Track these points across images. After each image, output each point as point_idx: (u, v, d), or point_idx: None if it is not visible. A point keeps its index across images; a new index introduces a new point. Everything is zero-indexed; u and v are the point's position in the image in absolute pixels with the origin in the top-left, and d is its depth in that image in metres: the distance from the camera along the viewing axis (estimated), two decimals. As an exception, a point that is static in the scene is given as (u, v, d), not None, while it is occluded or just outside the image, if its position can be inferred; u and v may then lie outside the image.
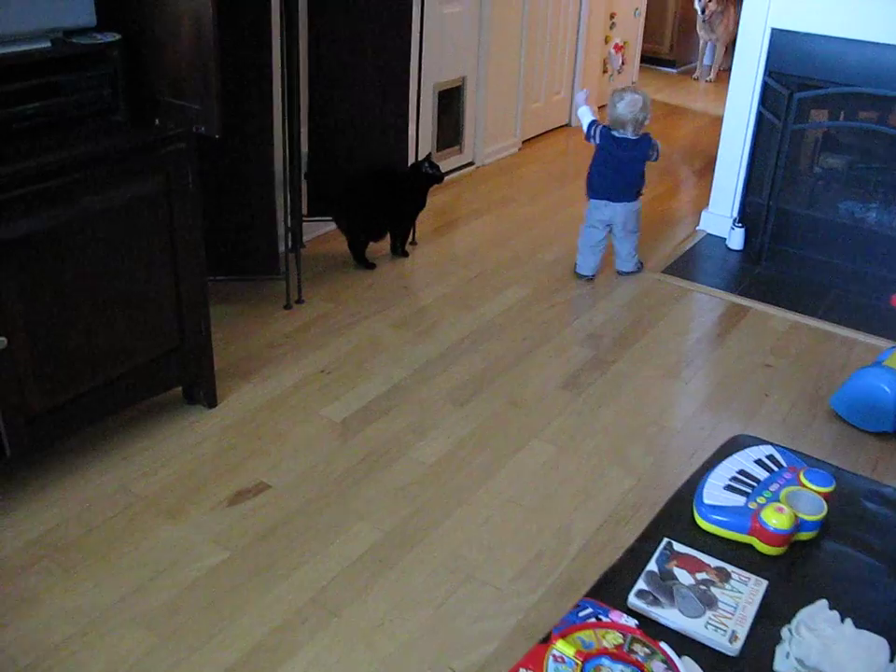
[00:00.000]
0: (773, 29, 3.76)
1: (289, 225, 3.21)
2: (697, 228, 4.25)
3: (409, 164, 3.67)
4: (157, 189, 2.26)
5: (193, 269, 2.43)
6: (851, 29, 3.58)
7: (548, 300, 3.46)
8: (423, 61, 3.63)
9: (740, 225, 4.03)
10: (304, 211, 3.50)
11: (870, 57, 3.59)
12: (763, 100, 3.89)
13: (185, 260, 2.39)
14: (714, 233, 4.19)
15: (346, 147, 3.50)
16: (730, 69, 3.98)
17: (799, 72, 3.77)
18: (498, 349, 3.10)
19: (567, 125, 5.67)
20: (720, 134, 4.06)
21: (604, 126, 3.50)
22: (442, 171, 3.64)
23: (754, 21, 3.78)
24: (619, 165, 3.47)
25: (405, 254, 3.72)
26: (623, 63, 6.12)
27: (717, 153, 4.11)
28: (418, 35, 3.58)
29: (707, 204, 4.23)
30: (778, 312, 3.51)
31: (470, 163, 4.77)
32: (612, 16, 5.80)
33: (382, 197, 3.51)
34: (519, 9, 4.74)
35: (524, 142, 5.20)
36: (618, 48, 5.99)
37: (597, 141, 3.49)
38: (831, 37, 3.64)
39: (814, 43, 3.69)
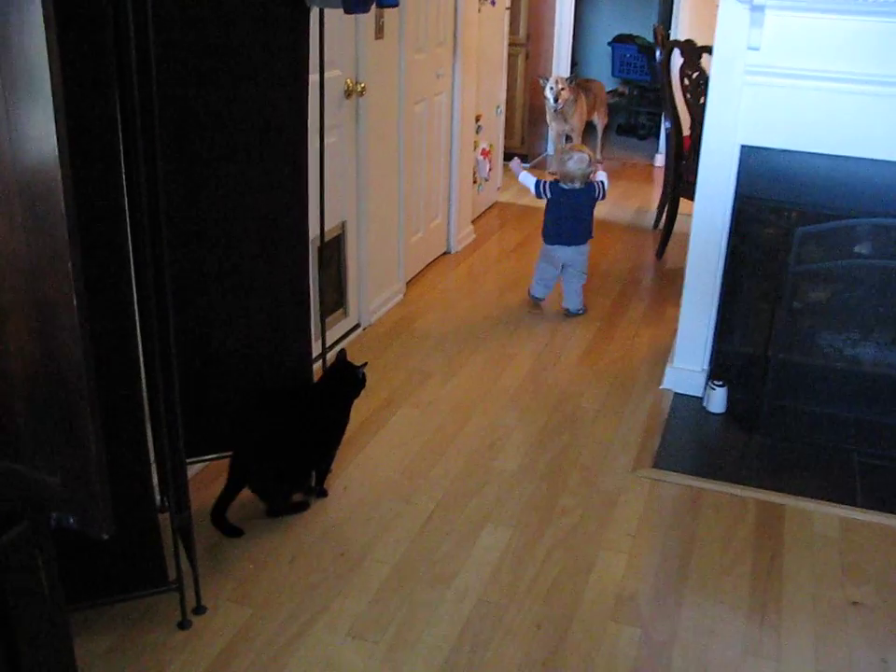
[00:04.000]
0: (743, 146, 3.17)
1: (171, 507, 2.20)
2: (661, 387, 3.57)
3: (329, 368, 2.76)
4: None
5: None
6: (835, 143, 3.06)
7: (539, 541, 2.63)
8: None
9: (720, 383, 3.39)
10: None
11: (859, 175, 3.07)
12: (735, 229, 3.30)
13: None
14: (683, 392, 3.53)
15: (234, 359, 2.56)
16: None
17: (774, 195, 3.20)
18: (512, 651, 2.23)
19: (446, 253, 4.92)
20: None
21: (551, 182, 4.15)
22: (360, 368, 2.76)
23: (720, 136, 3.18)
24: (571, 212, 4.12)
25: (323, 493, 2.79)
26: (490, 169, 5.48)
27: (681, 296, 3.47)
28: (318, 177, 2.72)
29: (672, 358, 3.56)
30: (816, 506, 2.86)
31: (356, 326, 3.90)
32: (478, 118, 5.15)
33: (301, 425, 2.58)
34: (394, 131, 3.96)
35: (407, 283, 4.39)
36: (485, 153, 5.35)
37: (548, 195, 4.12)
38: (812, 154, 3.10)
39: (791, 160, 3.13)
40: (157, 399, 2.02)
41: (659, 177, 6.94)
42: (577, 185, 4.09)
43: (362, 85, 3.52)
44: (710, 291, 3.40)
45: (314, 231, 3.24)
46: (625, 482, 2.95)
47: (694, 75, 4.46)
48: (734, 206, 3.26)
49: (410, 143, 4.12)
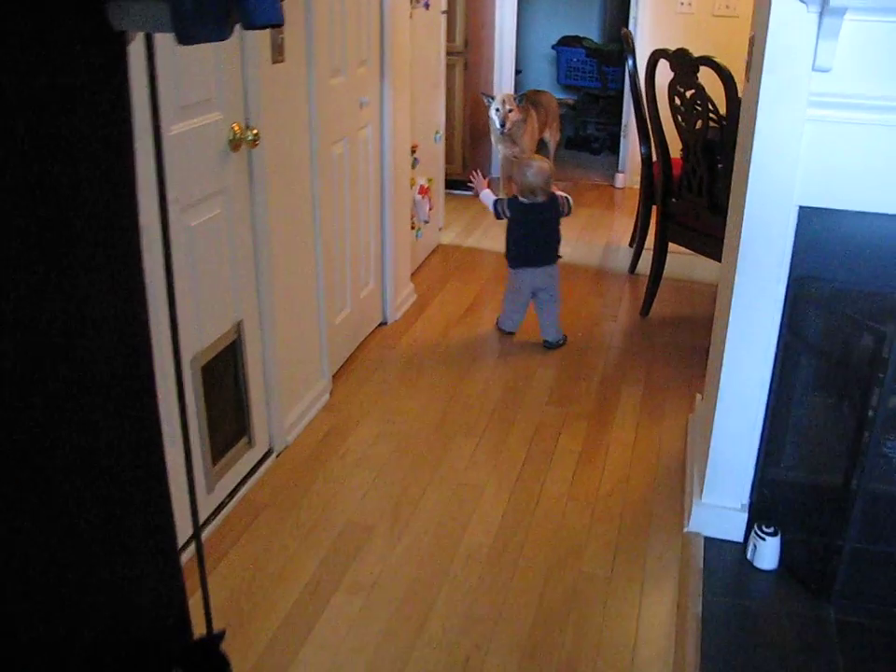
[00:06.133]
0: (802, 208, 2.24)
1: None
2: (686, 530, 2.63)
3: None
4: None
5: None
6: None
7: None
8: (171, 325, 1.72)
9: (770, 531, 2.46)
10: None
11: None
12: (790, 320, 2.37)
13: None
14: (716, 536, 2.60)
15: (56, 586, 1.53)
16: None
17: (847, 275, 2.28)
18: None
19: (382, 325, 3.92)
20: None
21: (509, 199, 3.74)
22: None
23: (770, 193, 2.24)
24: (535, 229, 3.70)
25: None
26: (430, 209, 4.49)
27: (712, 416, 2.53)
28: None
29: (699, 488, 2.62)
30: (949, 745, 1.94)
31: (268, 453, 2.89)
32: (414, 149, 4.15)
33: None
34: (306, 185, 2.96)
35: (333, 376, 3.39)
36: (423, 190, 4.36)
37: (508, 214, 3.71)
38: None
39: (872, 227, 2.22)
40: None
41: (623, 201, 6.05)
42: (539, 198, 3.65)
43: (254, 131, 2.51)
44: (754, 403, 2.46)
45: (192, 348, 2.26)
46: None
47: (688, 93, 3.53)
48: (788, 289, 2.33)
49: (328, 197, 3.12)
